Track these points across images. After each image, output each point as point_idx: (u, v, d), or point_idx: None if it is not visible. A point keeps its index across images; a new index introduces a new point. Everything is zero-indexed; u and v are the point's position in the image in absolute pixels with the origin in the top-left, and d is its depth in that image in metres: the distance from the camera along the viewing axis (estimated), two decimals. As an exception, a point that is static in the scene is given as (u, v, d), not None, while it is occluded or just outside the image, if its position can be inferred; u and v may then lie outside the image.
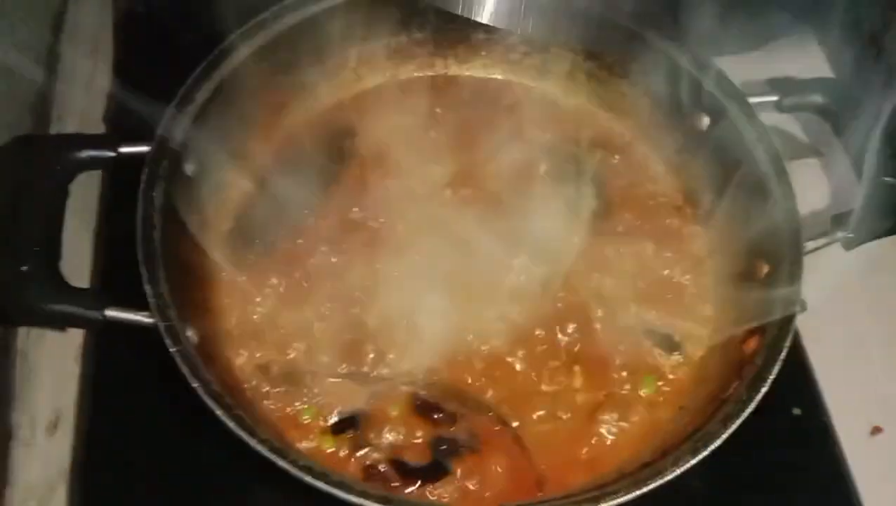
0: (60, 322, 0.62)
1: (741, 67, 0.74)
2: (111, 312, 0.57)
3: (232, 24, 0.69)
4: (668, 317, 0.67)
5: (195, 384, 0.54)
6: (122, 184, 0.65)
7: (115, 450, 0.63)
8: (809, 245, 0.63)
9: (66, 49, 0.83)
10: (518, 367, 0.64)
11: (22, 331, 0.69)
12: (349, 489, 0.52)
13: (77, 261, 0.70)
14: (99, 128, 0.78)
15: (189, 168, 0.65)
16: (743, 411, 0.56)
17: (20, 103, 0.75)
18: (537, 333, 0.65)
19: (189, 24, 0.75)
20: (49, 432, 0.65)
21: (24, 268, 0.57)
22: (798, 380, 0.69)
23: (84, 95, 0.80)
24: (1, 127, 0.70)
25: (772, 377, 0.57)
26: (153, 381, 0.61)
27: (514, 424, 0.62)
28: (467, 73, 0.81)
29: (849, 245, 0.65)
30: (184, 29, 0.77)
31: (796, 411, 0.68)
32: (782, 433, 0.67)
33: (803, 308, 0.61)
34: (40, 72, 0.79)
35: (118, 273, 0.64)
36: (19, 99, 0.75)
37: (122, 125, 0.76)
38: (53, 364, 0.68)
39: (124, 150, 0.63)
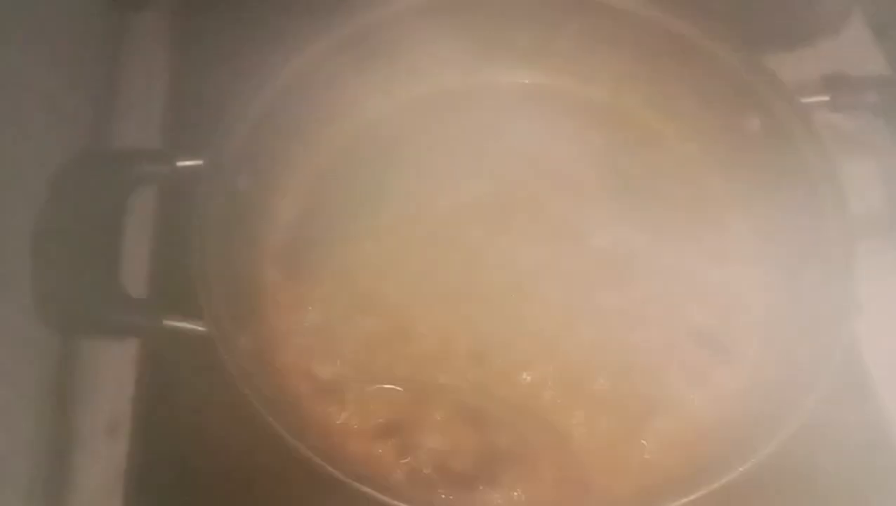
0: (119, 332, 0.65)
1: (793, 65, 0.73)
2: (168, 322, 0.59)
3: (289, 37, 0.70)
4: (717, 319, 0.67)
5: (247, 391, 0.55)
6: (178, 196, 0.67)
7: (172, 454, 0.65)
8: (864, 247, 0.62)
9: (123, 65, 0.85)
10: (566, 373, 0.64)
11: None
12: (395, 495, 0.52)
13: (135, 272, 0.71)
14: (156, 143, 0.80)
15: (243, 181, 0.66)
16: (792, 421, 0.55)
17: (80, 120, 0.77)
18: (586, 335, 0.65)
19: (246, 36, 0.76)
20: (108, 436, 0.67)
21: (84, 280, 0.59)
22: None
23: (141, 111, 0.82)
24: (61, 143, 0.72)
25: (823, 385, 0.56)
26: (208, 386, 0.63)
27: (563, 430, 0.62)
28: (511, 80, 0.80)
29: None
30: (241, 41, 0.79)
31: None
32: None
33: (858, 312, 0.60)
34: (99, 88, 0.81)
35: (174, 283, 0.65)
36: (79, 115, 0.77)
37: (178, 139, 0.78)
38: (112, 370, 0.70)
39: (180, 164, 0.65)
